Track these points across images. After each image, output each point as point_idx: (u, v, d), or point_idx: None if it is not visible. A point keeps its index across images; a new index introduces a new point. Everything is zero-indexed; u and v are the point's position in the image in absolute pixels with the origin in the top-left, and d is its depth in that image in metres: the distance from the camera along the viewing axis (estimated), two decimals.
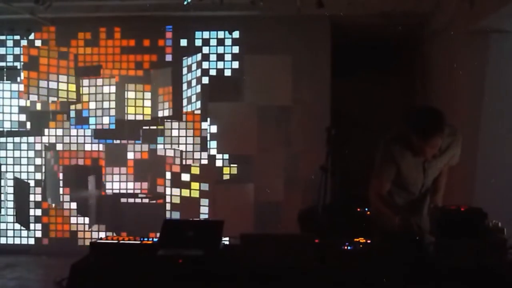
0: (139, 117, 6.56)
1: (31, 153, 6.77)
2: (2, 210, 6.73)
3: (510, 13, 4.37)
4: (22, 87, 6.57)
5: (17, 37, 6.81)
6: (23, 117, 6.73)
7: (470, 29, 5.00)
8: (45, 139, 6.71)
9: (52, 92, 6.46)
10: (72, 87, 6.53)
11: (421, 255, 2.71)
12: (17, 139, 6.80)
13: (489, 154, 4.99)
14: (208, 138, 6.53)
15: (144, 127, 6.62)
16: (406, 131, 3.14)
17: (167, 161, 6.53)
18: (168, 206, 6.53)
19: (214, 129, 6.44)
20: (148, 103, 6.53)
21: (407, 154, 3.23)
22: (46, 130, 6.71)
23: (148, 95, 6.54)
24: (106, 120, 6.46)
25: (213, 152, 6.50)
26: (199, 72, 6.33)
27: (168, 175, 6.53)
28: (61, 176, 6.66)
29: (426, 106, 3.17)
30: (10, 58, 6.84)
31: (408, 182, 3.34)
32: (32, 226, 6.76)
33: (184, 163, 6.53)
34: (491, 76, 4.98)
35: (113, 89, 6.48)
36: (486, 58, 4.98)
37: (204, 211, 6.35)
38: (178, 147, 6.58)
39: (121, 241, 2.98)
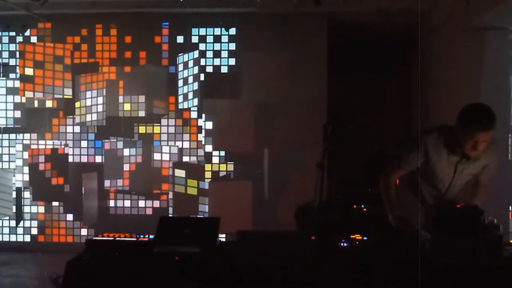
0: (134, 114, 6.52)
1: (26, 151, 6.74)
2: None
3: (506, 11, 4.38)
4: (17, 84, 6.53)
5: (12, 34, 6.78)
6: (18, 114, 6.70)
7: (466, 26, 5.01)
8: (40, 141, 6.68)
9: (48, 89, 6.42)
10: (68, 83, 6.49)
11: (416, 253, 2.71)
12: (12, 136, 6.77)
13: None
14: (203, 135, 6.52)
15: (140, 125, 6.60)
16: (454, 127, 3.14)
17: (163, 158, 6.50)
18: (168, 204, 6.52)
19: (209, 125, 6.42)
20: (143, 99, 6.49)
21: (444, 151, 3.24)
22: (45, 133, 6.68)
23: (143, 91, 6.50)
24: (100, 116, 6.43)
25: (208, 149, 6.50)
26: (196, 69, 6.30)
27: (165, 172, 6.50)
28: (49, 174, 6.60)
29: (483, 103, 3.20)
30: (5, 54, 6.81)
31: (435, 177, 3.34)
32: (28, 223, 6.74)
33: (181, 160, 6.52)
34: (487, 73, 4.99)
35: (109, 85, 6.45)
36: (483, 55, 4.99)
37: (202, 209, 6.33)
38: (175, 144, 6.57)
39: (116, 238, 2.97)
